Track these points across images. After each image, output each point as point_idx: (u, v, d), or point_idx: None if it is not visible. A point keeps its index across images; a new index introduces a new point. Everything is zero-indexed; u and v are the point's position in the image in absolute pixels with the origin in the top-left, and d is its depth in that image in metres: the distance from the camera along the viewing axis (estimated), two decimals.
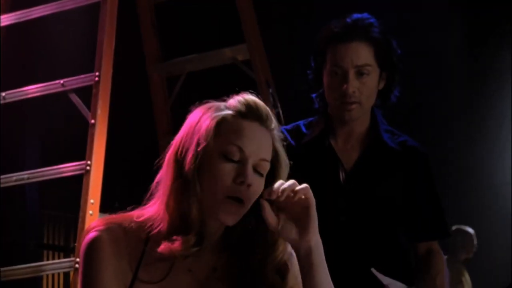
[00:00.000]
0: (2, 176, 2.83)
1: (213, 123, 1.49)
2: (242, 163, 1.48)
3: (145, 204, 1.56)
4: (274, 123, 1.53)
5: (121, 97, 3.25)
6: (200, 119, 1.52)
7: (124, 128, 3.76)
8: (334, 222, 2.18)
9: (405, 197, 2.22)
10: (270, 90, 3.64)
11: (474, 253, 5.38)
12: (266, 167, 1.51)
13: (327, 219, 1.85)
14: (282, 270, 1.54)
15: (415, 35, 4.92)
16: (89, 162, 2.63)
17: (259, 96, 1.54)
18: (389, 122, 2.30)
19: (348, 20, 2.19)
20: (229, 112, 1.51)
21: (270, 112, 1.52)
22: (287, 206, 1.49)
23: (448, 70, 5.56)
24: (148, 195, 1.55)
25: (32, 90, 2.91)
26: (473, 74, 5.60)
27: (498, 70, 5.54)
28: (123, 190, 2.32)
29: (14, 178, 2.80)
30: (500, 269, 5.68)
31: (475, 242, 5.37)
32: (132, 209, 1.57)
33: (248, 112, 1.50)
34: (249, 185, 1.47)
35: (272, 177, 1.54)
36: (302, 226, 1.48)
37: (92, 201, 2.59)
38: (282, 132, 1.57)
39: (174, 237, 1.48)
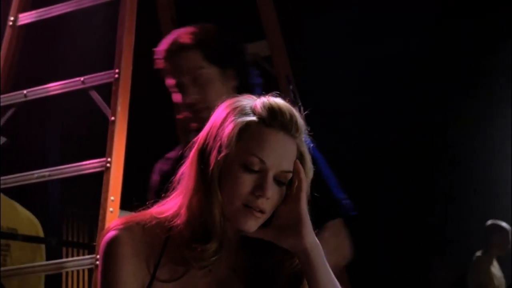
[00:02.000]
0: (24, 173, 2.84)
1: (236, 130, 1.47)
2: (262, 174, 1.46)
3: (165, 198, 1.55)
4: (300, 129, 1.49)
5: (141, 94, 3.24)
6: (225, 121, 1.49)
7: (145, 125, 3.75)
8: None
9: None
10: (291, 87, 3.60)
11: (508, 250, 5.29)
12: (287, 177, 1.49)
13: None
14: (300, 275, 1.52)
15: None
16: (109, 159, 2.62)
17: (288, 99, 1.51)
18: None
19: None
20: (253, 118, 1.48)
21: (297, 116, 1.49)
22: (278, 213, 1.47)
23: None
24: (170, 189, 1.54)
25: (53, 87, 2.91)
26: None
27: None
28: (144, 187, 2.31)
29: (36, 175, 2.80)
30: None
31: (511, 239, 5.28)
32: (153, 204, 1.56)
33: (273, 120, 1.47)
34: (268, 198, 1.44)
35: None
36: (295, 230, 1.47)
37: (112, 198, 2.58)
38: (308, 135, 1.54)
39: (194, 245, 1.46)
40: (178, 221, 1.48)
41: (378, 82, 5.07)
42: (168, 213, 1.51)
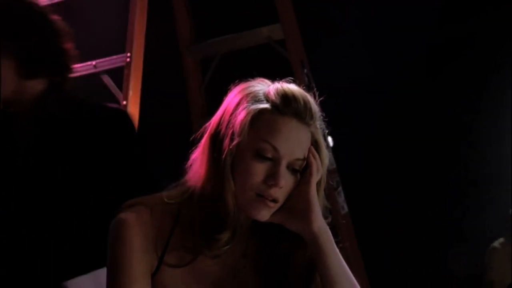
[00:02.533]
0: None
1: (248, 118, 1.44)
2: (275, 162, 1.43)
3: (176, 182, 1.53)
4: (314, 116, 1.46)
5: (154, 79, 3.23)
6: (237, 107, 1.46)
7: (157, 110, 3.74)
8: None
9: None
10: (305, 71, 3.58)
11: None
12: (301, 165, 1.46)
13: None
14: (314, 265, 1.51)
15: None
16: None
17: (303, 86, 1.48)
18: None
19: None
20: (266, 106, 1.45)
21: (311, 103, 1.46)
22: (289, 196, 1.46)
23: None
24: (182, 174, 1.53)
25: None
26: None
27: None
28: (156, 172, 2.29)
29: None
30: None
31: None
32: (164, 187, 1.54)
33: (286, 108, 1.44)
34: (280, 188, 1.43)
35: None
36: (304, 215, 1.45)
37: None
38: (323, 120, 1.51)
39: (207, 234, 1.44)
40: (189, 208, 1.47)
41: (395, 67, 5.02)
42: (179, 198, 1.50)
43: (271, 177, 1.43)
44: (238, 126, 1.43)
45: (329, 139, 5.37)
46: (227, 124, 1.45)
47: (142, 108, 2.71)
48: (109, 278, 1.47)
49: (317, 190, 1.49)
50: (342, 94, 4.39)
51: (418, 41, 5.03)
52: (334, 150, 3.57)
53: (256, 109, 1.44)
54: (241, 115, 1.44)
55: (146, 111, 2.80)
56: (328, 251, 1.45)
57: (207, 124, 1.50)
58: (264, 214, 1.45)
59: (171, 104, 3.59)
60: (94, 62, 2.82)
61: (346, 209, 3.59)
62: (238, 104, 1.46)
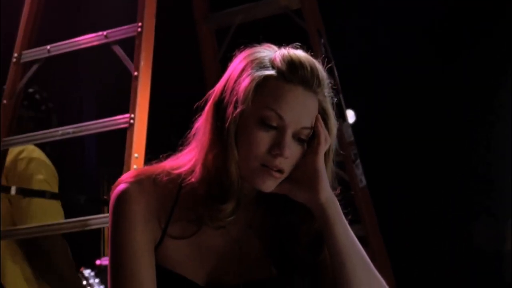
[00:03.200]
0: (48, 131, 2.83)
1: (253, 85, 1.40)
2: (280, 131, 1.40)
3: (180, 152, 1.50)
4: (322, 83, 1.43)
5: (166, 49, 3.20)
6: (242, 73, 1.42)
7: (169, 81, 3.71)
8: None
9: None
10: (322, 41, 3.52)
11: None
12: (307, 134, 1.43)
13: None
14: (321, 237, 1.47)
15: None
16: (132, 115, 2.59)
17: (310, 52, 1.44)
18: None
19: None
20: (271, 72, 1.41)
21: (319, 70, 1.42)
22: (295, 166, 1.42)
23: None
24: (185, 143, 1.50)
25: (77, 42, 2.88)
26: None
27: None
28: (169, 144, 2.26)
29: (60, 132, 2.79)
30: None
31: None
32: (167, 157, 1.52)
33: (292, 74, 1.40)
34: (286, 157, 1.39)
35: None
36: (310, 185, 1.41)
37: (136, 155, 2.56)
38: (332, 88, 1.47)
39: (210, 205, 1.41)
40: (193, 178, 1.43)
41: (417, 39, 4.93)
42: (182, 169, 1.46)
43: (276, 147, 1.39)
44: (242, 93, 1.40)
45: (351, 112, 5.33)
46: (231, 91, 1.42)
47: (154, 79, 2.67)
48: (111, 251, 1.45)
49: (325, 161, 1.45)
50: (360, 66, 4.33)
51: (439, 14, 4.93)
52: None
53: (261, 75, 1.40)
54: (245, 82, 1.40)
55: (158, 82, 2.77)
56: (336, 223, 1.42)
57: (211, 91, 1.46)
58: (269, 185, 1.42)
59: (185, 75, 3.55)
60: (105, 33, 2.79)
61: (364, 182, 3.55)
62: (242, 71, 1.42)
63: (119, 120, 2.64)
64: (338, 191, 1.49)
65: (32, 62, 3.00)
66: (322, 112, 1.44)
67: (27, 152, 2.93)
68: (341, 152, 3.24)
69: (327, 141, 1.44)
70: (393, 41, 4.84)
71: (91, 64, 3.76)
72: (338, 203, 1.43)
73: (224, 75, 1.46)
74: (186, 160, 1.47)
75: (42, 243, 2.80)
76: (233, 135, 1.40)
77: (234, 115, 1.40)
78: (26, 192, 2.91)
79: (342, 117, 3.53)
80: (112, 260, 1.43)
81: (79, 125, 2.77)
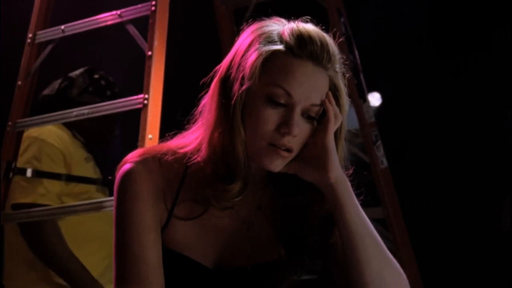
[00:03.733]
0: (63, 112, 2.81)
1: (260, 60, 1.35)
2: (288, 109, 1.35)
3: (186, 130, 1.47)
4: (333, 59, 1.37)
5: (183, 28, 3.16)
6: (249, 48, 1.38)
7: (184, 59, 3.67)
8: None
9: None
10: (342, 19, 3.46)
11: None
12: (317, 111, 1.38)
13: None
14: (332, 218, 1.43)
15: None
16: (146, 96, 2.56)
17: (321, 26, 1.40)
18: None
19: None
20: (279, 47, 1.36)
21: (329, 45, 1.37)
22: (304, 144, 1.38)
23: None
24: (191, 121, 1.47)
25: (90, 22, 2.85)
26: None
27: None
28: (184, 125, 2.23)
29: (74, 113, 2.77)
30: None
31: None
32: (173, 136, 1.49)
33: (301, 50, 1.35)
34: (295, 136, 1.34)
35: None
36: (320, 164, 1.37)
37: (150, 136, 2.53)
38: (344, 64, 1.42)
39: (216, 185, 1.37)
40: (198, 157, 1.40)
41: (444, 17, 4.84)
42: (188, 148, 1.43)
43: (284, 125, 1.35)
44: (248, 69, 1.35)
45: (377, 95, 5.24)
46: (238, 67, 1.37)
47: (168, 58, 2.64)
48: (116, 232, 1.42)
49: (336, 139, 1.41)
50: (381, 46, 4.26)
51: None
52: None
53: (269, 50, 1.36)
54: (252, 57, 1.36)
55: (173, 62, 2.74)
56: (347, 203, 1.38)
57: (218, 67, 1.42)
58: (277, 164, 1.38)
59: (201, 55, 3.51)
60: (118, 12, 2.75)
61: (385, 163, 3.50)
62: (249, 46, 1.38)
63: (133, 100, 2.61)
64: (349, 172, 1.45)
65: (46, 43, 2.98)
66: (333, 89, 1.39)
67: (28, 132, 2.92)
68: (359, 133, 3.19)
69: (338, 119, 1.39)
70: (422, 21, 4.75)
71: (105, 44, 3.74)
72: (349, 183, 1.39)
73: (231, 50, 1.41)
74: (192, 138, 1.43)
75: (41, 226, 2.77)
76: (240, 113, 1.36)
77: (240, 92, 1.35)
78: (42, 174, 2.90)
79: (362, 97, 3.47)
80: (117, 241, 1.40)
81: (93, 106, 2.75)
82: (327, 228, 1.44)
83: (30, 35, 3.00)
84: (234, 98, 1.36)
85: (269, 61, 1.35)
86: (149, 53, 2.60)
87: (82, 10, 2.98)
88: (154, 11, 2.63)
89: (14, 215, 2.83)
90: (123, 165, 1.44)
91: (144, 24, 2.70)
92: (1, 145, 2.95)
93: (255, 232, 1.46)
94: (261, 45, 1.36)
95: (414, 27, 4.75)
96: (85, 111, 2.74)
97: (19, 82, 2.98)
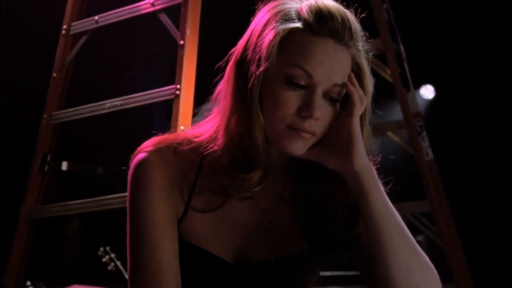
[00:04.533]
0: (96, 104, 2.80)
1: (277, 39, 1.27)
2: (309, 90, 1.27)
3: (203, 118, 1.41)
4: (355, 36, 1.29)
5: (213, 17, 3.11)
6: (265, 28, 1.29)
7: (215, 49, 3.62)
8: None
9: None
10: (385, 6, 3.37)
11: None
12: (340, 92, 1.30)
13: None
14: (355, 207, 1.36)
15: None
16: (178, 86, 2.52)
17: (342, 2, 1.33)
18: None
19: None
20: (297, 25, 1.28)
21: (351, 21, 1.28)
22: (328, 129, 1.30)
23: None
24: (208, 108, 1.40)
25: (124, 12, 2.84)
26: None
27: None
28: None
29: (108, 105, 2.76)
30: None
31: None
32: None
33: (320, 27, 1.26)
34: (317, 119, 1.28)
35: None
36: (344, 151, 1.28)
37: (182, 127, 2.49)
38: (367, 42, 1.34)
39: (235, 174, 1.31)
40: (215, 146, 1.33)
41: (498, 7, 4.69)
42: (204, 136, 1.36)
43: (305, 108, 1.27)
44: (265, 50, 1.27)
45: (430, 87, 5.10)
46: (254, 48, 1.30)
47: (200, 48, 2.60)
48: (130, 225, 1.36)
49: (361, 123, 1.33)
50: (425, 31, 4.14)
51: None
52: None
53: (286, 29, 1.28)
54: (268, 37, 1.28)
55: (204, 51, 2.70)
56: (371, 191, 1.29)
57: (233, 49, 1.36)
58: (299, 147, 1.29)
59: (231, 43, 3.48)
60: (151, 1, 2.73)
61: (431, 155, 3.39)
62: (266, 25, 1.30)
63: (165, 91, 2.58)
64: (377, 158, 1.37)
65: (81, 34, 2.97)
66: (356, 69, 1.31)
67: None
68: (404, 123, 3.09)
69: (363, 101, 1.31)
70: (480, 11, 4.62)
71: (138, 34, 3.72)
72: (374, 171, 1.30)
73: (247, 31, 1.33)
74: (208, 127, 1.37)
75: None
76: (257, 97, 1.29)
77: (257, 74, 1.28)
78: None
79: (406, 86, 3.38)
80: (130, 235, 1.35)
81: (126, 97, 2.73)
82: (351, 217, 1.36)
83: (64, 27, 3.00)
84: (251, 81, 1.29)
85: (287, 40, 1.28)
86: (181, 42, 2.56)
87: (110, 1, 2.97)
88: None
89: (49, 208, 2.84)
90: (137, 154, 1.39)
91: (176, 13, 2.66)
92: (36, 138, 2.95)
93: (276, 224, 1.39)
94: (278, 24, 1.29)
95: (469, 18, 4.62)
96: (118, 103, 2.72)
97: (54, 74, 2.98)
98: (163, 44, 2.87)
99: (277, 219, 1.40)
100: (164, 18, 2.67)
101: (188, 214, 1.37)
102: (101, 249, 2.83)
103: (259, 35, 1.30)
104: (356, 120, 1.30)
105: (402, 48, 3.37)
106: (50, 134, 2.93)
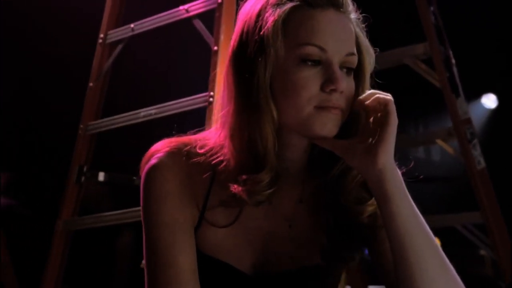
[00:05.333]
0: (130, 113, 2.78)
1: (279, 24, 1.23)
2: (326, 64, 1.23)
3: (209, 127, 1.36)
4: (349, 2, 1.28)
5: None
6: (260, 17, 1.26)
7: None
8: None
9: None
10: (432, 8, 3.27)
11: None
12: (354, 60, 1.26)
13: None
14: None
15: None
16: (212, 94, 2.47)
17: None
18: None
19: None
20: (293, 4, 1.24)
21: None
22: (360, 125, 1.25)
23: None
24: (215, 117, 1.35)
25: (159, 19, 2.81)
26: None
27: None
28: None
29: (142, 114, 2.73)
30: None
31: None
32: (196, 132, 1.38)
33: None
34: (342, 92, 1.22)
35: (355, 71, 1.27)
36: (369, 149, 1.21)
37: None
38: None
39: (244, 177, 1.24)
40: (222, 154, 1.28)
41: None
42: (212, 141, 1.31)
43: (329, 82, 1.22)
44: (269, 37, 1.22)
45: (493, 96, 4.96)
46: (253, 39, 1.24)
47: None
48: (146, 234, 1.31)
49: (359, 90, 1.29)
50: (474, 32, 4.01)
51: None
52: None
53: (285, 10, 1.24)
54: (268, 24, 1.23)
55: None
56: (395, 196, 1.21)
57: (229, 49, 1.30)
58: (331, 129, 1.23)
59: None
60: (186, 7, 2.69)
61: (483, 164, 3.26)
62: (259, 15, 1.26)
63: (198, 99, 2.53)
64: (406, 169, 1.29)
65: (117, 42, 2.96)
66: (356, 40, 1.28)
67: None
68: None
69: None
70: None
71: (168, 40, 3.70)
72: (398, 173, 1.22)
73: (237, 27, 1.30)
74: (215, 134, 1.32)
75: None
76: (268, 90, 1.23)
77: (266, 66, 1.23)
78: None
79: (455, 92, 3.26)
80: (146, 245, 1.29)
81: (160, 106, 2.69)
82: (365, 196, 1.28)
83: (101, 35, 2.99)
84: (257, 74, 1.23)
85: (289, 21, 1.24)
86: (215, 48, 2.51)
87: (143, 8, 2.94)
88: (221, 4, 2.55)
89: (84, 220, 2.82)
90: (148, 159, 1.34)
91: (210, 18, 2.62)
92: (73, 148, 2.94)
93: (298, 229, 1.32)
94: (273, 9, 1.24)
95: None
96: (153, 111, 2.69)
97: (91, 84, 2.96)
98: (197, 50, 2.83)
99: (298, 225, 1.33)
100: (198, 24, 2.63)
101: (202, 227, 1.32)
102: None
103: (254, 28, 1.25)
104: (393, 117, 1.23)
105: (450, 52, 3.26)
106: (86, 145, 2.92)
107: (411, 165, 1.31)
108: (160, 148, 1.34)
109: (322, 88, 1.22)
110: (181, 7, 2.70)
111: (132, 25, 2.89)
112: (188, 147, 1.33)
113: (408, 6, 3.37)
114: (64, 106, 3.37)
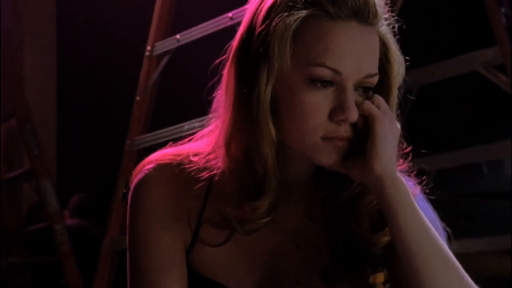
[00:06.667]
0: (175, 126, 2.73)
1: (288, 34, 1.07)
2: (338, 88, 1.08)
3: (204, 130, 1.25)
4: (380, 10, 1.09)
5: None
6: (268, 19, 1.08)
7: None
8: None
9: None
10: (503, 9, 3.08)
11: None
12: (374, 81, 1.10)
13: None
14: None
15: None
16: None
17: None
18: None
19: None
20: (310, 11, 1.08)
21: None
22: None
23: None
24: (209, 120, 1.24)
25: (204, 28, 2.75)
26: None
27: None
28: None
29: (186, 127, 2.63)
30: None
31: None
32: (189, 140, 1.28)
33: (339, 8, 1.07)
34: (353, 122, 1.08)
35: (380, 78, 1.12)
36: (369, 153, 1.08)
37: None
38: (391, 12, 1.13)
39: (240, 203, 1.13)
40: (219, 162, 1.16)
41: None
42: (204, 154, 1.20)
43: (339, 110, 1.07)
44: (275, 48, 1.07)
45: None
46: (258, 45, 1.09)
47: None
48: (129, 259, 1.21)
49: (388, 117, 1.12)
50: None
51: None
52: None
53: (297, 18, 1.07)
54: (277, 31, 1.08)
55: None
56: (397, 204, 1.08)
57: (231, 46, 1.16)
58: (335, 160, 1.10)
59: None
60: (230, 14, 2.62)
61: None
62: (268, 16, 1.10)
63: None
64: (404, 166, 1.16)
65: (163, 54, 2.91)
66: (383, 48, 1.10)
67: None
68: None
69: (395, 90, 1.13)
70: None
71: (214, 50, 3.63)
72: (401, 180, 1.08)
73: (243, 22, 1.14)
74: (209, 137, 1.20)
75: None
76: (268, 105, 1.10)
77: (269, 76, 1.08)
78: None
79: None
80: (131, 266, 1.21)
81: (203, 118, 2.61)
82: (381, 225, 1.15)
83: (148, 48, 2.95)
84: (258, 86, 1.09)
85: (300, 33, 1.07)
86: None
87: (194, 17, 2.89)
88: None
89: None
90: (137, 172, 1.24)
91: None
92: (119, 164, 2.91)
93: (306, 249, 1.20)
94: (284, 14, 1.09)
95: None
96: (196, 124, 2.61)
97: (137, 98, 2.92)
98: None
99: (306, 244, 1.21)
100: None
101: (196, 247, 1.21)
102: None
103: (262, 29, 1.10)
104: (379, 119, 1.10)
105: None
106: (133, 160, 2.88)
107: (423, 178, 1.17)
108: (153, 159, 1.25)
109: (331, 117, 1.07)
110: (225, 15, 2.63)
111: (178, 36, 2.84)
112: (181, 157, 1.23)
113: (476, 7, 3.19)
114: (108, 123, 3.35)
